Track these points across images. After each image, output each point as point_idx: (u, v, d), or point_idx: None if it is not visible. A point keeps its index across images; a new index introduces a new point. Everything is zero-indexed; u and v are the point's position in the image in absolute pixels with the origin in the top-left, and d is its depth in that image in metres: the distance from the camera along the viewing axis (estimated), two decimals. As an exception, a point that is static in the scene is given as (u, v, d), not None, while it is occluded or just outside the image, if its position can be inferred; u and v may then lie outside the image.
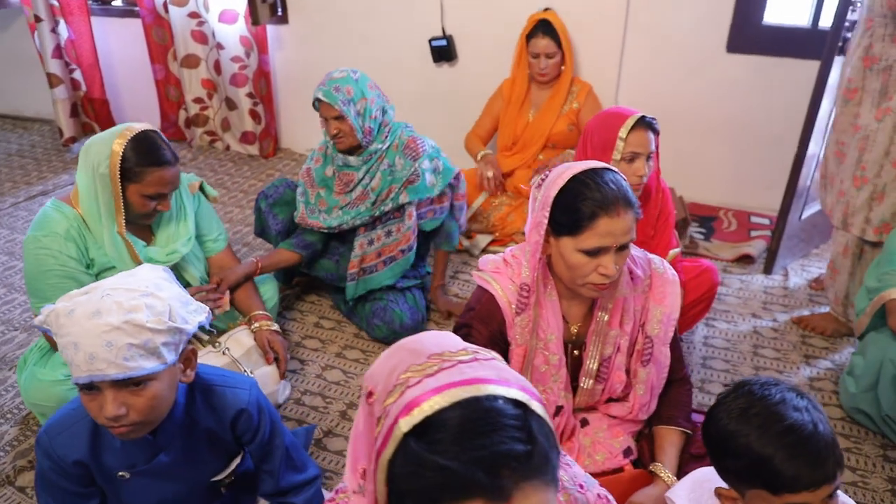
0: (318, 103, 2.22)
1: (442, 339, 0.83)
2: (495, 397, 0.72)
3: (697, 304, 2.11)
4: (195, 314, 1.24)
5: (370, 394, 0.82)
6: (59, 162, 3.93)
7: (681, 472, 1.51)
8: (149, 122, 1.92)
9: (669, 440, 1.58)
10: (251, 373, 1.89)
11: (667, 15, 3.02)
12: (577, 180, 1.37)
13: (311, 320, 2.50)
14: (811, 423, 1.07)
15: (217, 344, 1.91)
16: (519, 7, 3.08)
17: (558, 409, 1.56)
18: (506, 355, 1.53)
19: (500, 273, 1.52)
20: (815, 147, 2.53)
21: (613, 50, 3.14)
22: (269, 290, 2.26)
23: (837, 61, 2.34)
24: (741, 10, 2.92)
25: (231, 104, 3.85)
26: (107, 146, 1.72)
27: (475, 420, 0.70)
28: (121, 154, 1.71)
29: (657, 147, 1.92)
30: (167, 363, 1.16)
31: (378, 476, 0.74)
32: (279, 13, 3.65)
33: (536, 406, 0.74)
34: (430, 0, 3.31)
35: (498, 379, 0.75)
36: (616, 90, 3.22)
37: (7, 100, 4.58)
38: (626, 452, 1.59)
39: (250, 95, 3.77)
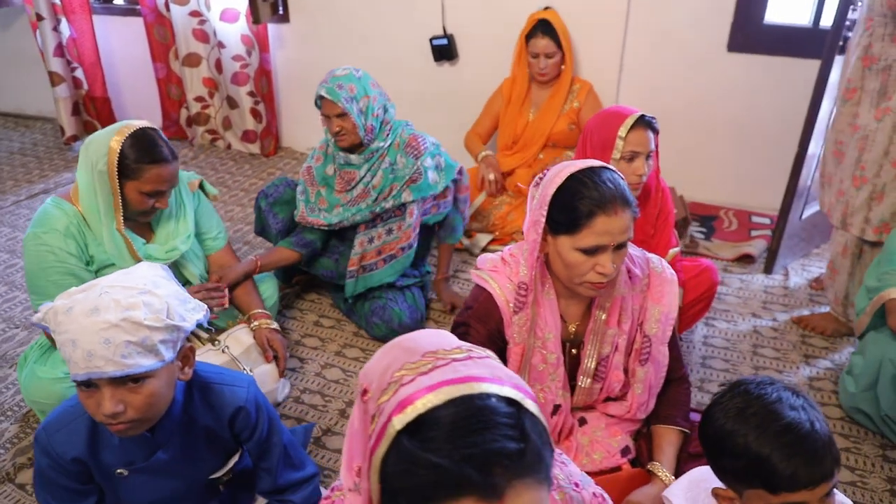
0: (320, 101, 2.21)
1: (437, 338, 0.83)
2: (488, 395, 0.72)
3: (697, 304, 2.11)
4: (193, 312, 1.24)
5: (365, 391, 0.82)
6: (60, 160, 3.94)
7: (679, 472, 1.50)
8: (150, 120, 1.92)
9: (667, 439, 1.58)
10: (250, 371, 1.89)
11: (667, 14, 3.01)
12: (574, 179, 1.37)
13: (311, 319, 2.50)
14: (808, 422, 1.07)
15: (216, 342, 1.91)
16: (521, 6, 3.07)
17: (556, 408, 1.56)
18: (504, 354, 1.53)
19: (498, 272, 1.52)
20: (816, 147, 2.52)
21: (614, 49, 3.14)
22: (269, 288, 2.26)
23: (838, 61, 2.34)
24: (742, 9, 2.91)
25: (232, 103, 3.85)
26: (105, 143, 1.73)
27: (468, 418, 0.70)
28: (119, 151, 1.71)
29: (657, 146, 1.92)
30: (165, 361, 1.16)
31: (371, 474, 0.74)
32: (280, 12, 3.65)
33: (530, 404, 0.74)
34: (432, -1, 3.31)
35: (491, 377, 0.75)
36: (617, 89, 3.22)
37: (9, 98, 4.59)
38: (624, 451, 1.59)
39: (251, 94, 3.77)
